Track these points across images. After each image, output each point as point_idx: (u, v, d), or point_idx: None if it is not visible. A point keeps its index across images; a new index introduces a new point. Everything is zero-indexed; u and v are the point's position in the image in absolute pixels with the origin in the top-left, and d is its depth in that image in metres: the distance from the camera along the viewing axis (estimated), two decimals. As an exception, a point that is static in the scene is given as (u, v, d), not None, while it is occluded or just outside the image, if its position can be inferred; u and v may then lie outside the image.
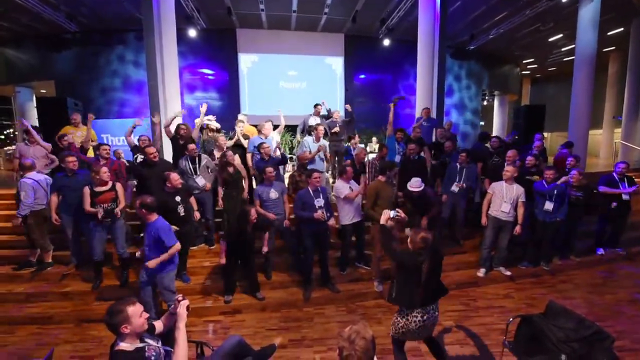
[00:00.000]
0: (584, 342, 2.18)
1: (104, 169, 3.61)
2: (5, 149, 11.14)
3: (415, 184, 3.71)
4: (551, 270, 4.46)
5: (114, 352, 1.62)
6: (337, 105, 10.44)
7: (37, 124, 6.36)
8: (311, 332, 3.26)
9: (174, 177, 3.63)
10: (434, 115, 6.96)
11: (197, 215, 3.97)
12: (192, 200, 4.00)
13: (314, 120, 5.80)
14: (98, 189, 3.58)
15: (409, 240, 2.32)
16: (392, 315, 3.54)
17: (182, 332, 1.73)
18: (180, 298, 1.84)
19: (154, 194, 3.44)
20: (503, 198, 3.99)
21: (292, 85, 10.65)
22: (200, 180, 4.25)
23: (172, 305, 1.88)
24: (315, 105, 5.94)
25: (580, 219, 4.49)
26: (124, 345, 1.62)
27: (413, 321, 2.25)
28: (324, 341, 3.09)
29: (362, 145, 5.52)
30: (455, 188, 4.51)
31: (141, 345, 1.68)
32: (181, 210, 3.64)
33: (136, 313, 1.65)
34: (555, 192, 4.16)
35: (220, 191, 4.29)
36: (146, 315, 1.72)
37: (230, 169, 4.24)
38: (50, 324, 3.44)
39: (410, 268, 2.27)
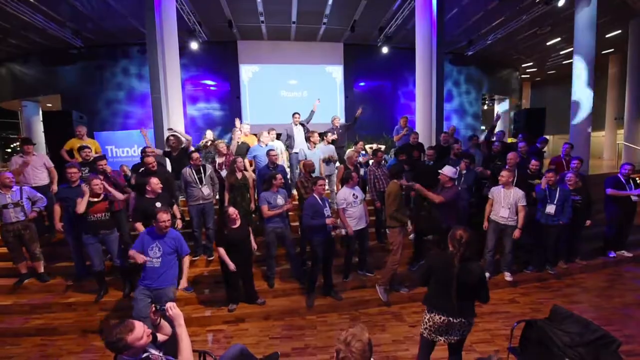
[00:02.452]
0: (590, 346, 2.15)
1: (96, 180, 3.66)
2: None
3: None
4: (557, 274, 4.41)
5: None
6: (338, 113, 10.53)
7: (44, 138, 6.46)
8: (314, 340, 3.24)
9: (154, 181, 3.66)
10: (434, 120, 7.01)
11: (179, 223, 3.93)
12: (175, 209, 3.99)
13: (295, 129, 5.78)
14: (91, 199, 3.64)
15: (449, 237, 2.25)
16: (396, 323, 3.55)
17: (183, 328, 1.79)
18: (154, 308, 1.93)
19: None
20: (501, 203, 3.99)
21: (293, 95, 10.76)
22: (206, 190, 4.29)
23: (154, 318, 1.93)
24: (294, 115, 5.94)
25: (582, 222, 4.44)
26: (128, 358, 1.65)
27: (438, 318, 2.21)
28: (327, 349, 3.07)
29: (356, 149, 5.51)
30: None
31: (144, 355, 1.70)
32: None
33: (137, 337, 1.63)
34: (557, 196, 4.14)
35: (227, 195, 4.33)
36: (148, 332, 1.71)
37: (239, 175, 4.31)
38: (54, 335, 3.46)
39: (438, 269, 2.24)
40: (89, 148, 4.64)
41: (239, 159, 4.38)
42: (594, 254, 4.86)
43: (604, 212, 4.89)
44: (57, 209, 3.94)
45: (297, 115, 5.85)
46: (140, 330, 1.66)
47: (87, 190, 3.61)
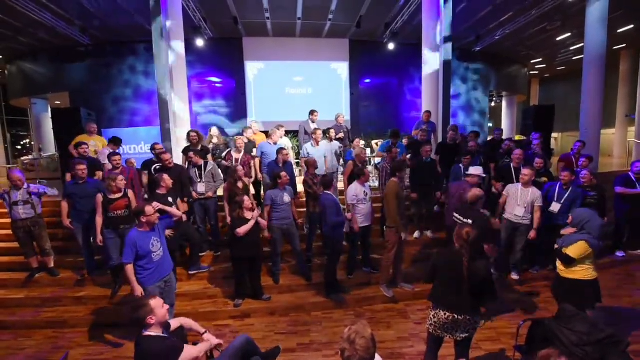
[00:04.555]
0: (598, 345, 2.13)
1: (120, 176, 3.72)
2: (23, 158, 11.52)
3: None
4: (564, 272, 4.35)
5: (142, 337, 1.75)
6: (343, 110, 10.50)
7: (53, 134, 6.57)
8: (320, 336, 3.26)
9: (166, 177, 3.70)
10: (440, 117, 6.94)
11: (184, 217, 3.89)
12: (180, 203, 4.01)
13: (313, 126, 5.78)
14: (112, 196, 3.68)
15: (455, 235, 2.23)
16: (401, 320, 3.55)
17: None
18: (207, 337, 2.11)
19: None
20: (517, 201, 3.91)
21: (298, 91, 10.76)
22: (201, 187, 4.30)
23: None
24: (312, 112, 5.94)
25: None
26: (152, 333, 1.76)
27: (442, 315, 2.22)
28: (332, 345, 3.09)
29: (363, 144, 5.50)
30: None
31: (165, 335, 1.79)
32: None
33: (158, 305, 1.80)
34: (566, 195, 4.06)
35: (227, 206, 4.15)
36: (167, 306, 1.87)
37: (240, 185, 4.22)
38: (65, 328, 3.54)
39: (443, 267, 2.26)
40: (86, 144, 4.65)
41: (239, 167, 4.29)
42: (603, 254, 4.79)
43: (613, 211, 4.82)
44: (65, 205, 3.98)
45: (315, 113, 5.83)
46: (160, 300, 1.85)
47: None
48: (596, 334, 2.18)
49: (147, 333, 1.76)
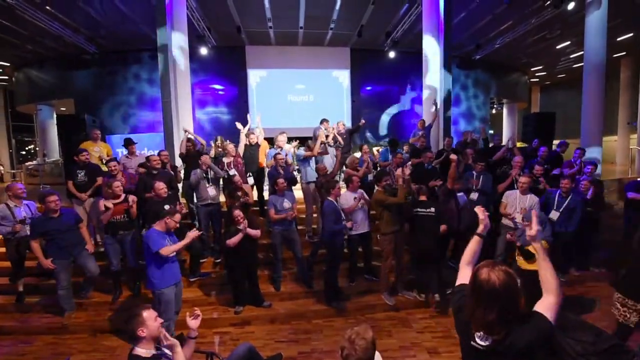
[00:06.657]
0: (603, 355, 2.10)
1: (117, 183, 3.71)
2: (27, 164, 11.62)
3: None
4: (567, 281, 4.31)
5: (130, 356, 1.70)
6: (344, 117, 10.56)
7: (57, 140, 6.63)
8: (321, 345, 3.23)
9: (158, 186, 3.70)
10: (441, 123, 6.98)
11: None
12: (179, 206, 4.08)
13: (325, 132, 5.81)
14: (112, 201, 3.69)
15: None
16: (403, 328, 3.53)
17: (180, 355, 1.83)
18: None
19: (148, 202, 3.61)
20: (516, 208, 3.91)
21: (300, 99, 10.85)
22: (212, 191, 4.35)
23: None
24: (323, 121, 5.97)
25: (595, 228, 4.35)
26: (141, 351, 1.70)
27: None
28: (333, 354, 3.06)
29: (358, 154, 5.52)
30: (474, 196, 4.44)
31: (157, 352, 1.74)
32: None
33: (151, 317, 1.74)
34: (565, 203, 4.05)
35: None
36: (160, 320, 1.80)
37: (240, 193, 4.23)
38: (65, 334, 3.52)
39: None
40: (87, 151, 4.55)
41: (236, 177, 4.35)
42: (609, 262, 4.75)
43: (619, 219, 4.78)
44: (36, 245, 3.42)
45: (326, 122, 5.82)
46: (153, 312, 1.78)
47: (110, 205, 3.63)
48: (601, 343, 2.15)
49: (137, 352, 1.69)
